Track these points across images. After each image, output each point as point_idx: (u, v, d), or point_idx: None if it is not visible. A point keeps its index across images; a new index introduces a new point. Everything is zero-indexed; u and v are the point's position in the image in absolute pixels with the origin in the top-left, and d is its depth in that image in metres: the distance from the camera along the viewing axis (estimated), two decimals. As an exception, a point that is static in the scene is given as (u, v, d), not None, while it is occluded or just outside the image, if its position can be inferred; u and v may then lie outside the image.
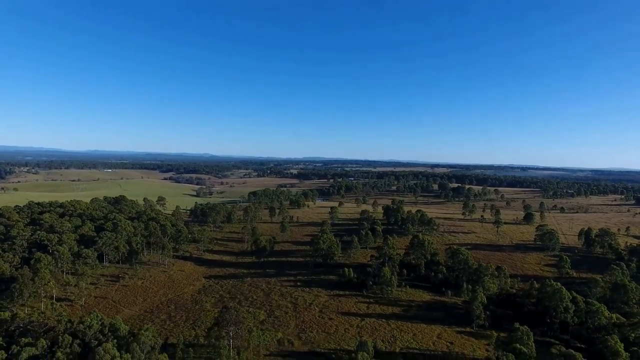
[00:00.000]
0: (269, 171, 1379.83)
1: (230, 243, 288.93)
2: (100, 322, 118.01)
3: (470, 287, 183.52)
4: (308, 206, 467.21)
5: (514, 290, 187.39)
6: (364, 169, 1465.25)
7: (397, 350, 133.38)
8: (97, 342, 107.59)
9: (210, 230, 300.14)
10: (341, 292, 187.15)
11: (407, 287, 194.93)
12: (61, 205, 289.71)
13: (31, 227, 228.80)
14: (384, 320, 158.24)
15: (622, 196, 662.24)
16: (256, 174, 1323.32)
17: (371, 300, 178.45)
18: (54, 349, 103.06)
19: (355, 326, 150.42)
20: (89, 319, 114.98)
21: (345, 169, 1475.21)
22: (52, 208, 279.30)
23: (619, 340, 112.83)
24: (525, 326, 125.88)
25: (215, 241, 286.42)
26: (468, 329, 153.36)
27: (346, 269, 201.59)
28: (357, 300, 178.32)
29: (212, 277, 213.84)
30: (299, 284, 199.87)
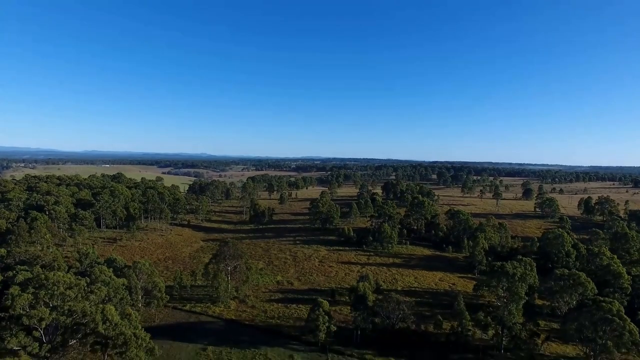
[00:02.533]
0: (267, 165, 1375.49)
1: (228, 214, 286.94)
2: (95, 254, 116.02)
3: (471, 242, 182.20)
4: (306, 188, 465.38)
5: (516, 246, 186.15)
6: (363, 164, 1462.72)
7: (399, 288, 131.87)
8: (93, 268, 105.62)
9: (209, 204, 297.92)
10: (341, 248, 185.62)
11: (408, 244, 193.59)
12: (58, 178, 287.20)
13: (28, 192, 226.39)
14: (385, 267, 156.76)
15: (620, 182, 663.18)
16: (254, 167, 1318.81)
17: (371, 253, 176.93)
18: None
19: (355, 272, 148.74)
20: (84, 248, 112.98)
21: (345, 163, 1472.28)
22: (49, 179, 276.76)
23: (620, 264, 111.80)
24: (528, 258, 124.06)
25: (213, 213, 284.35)
26: (470, 275, 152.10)
27: (345, 228, 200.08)
28: (357, 253, 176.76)
29: (211, 241, 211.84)
30: (298, 242, 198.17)
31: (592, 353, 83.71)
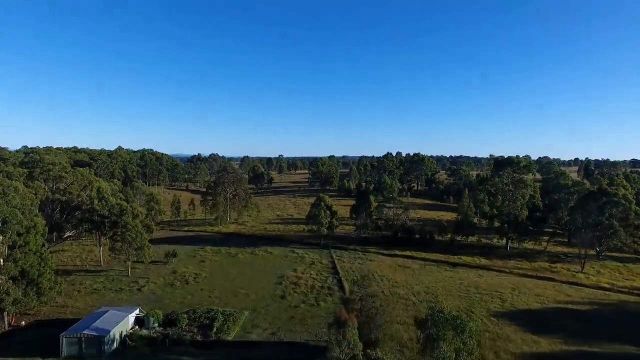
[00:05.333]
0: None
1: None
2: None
3: (471, 193, 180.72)
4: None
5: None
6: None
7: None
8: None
9: (207, 173, 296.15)
10: (342, 198, 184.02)
11: (409, 196, 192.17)
12: (57, 148, 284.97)
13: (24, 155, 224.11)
14: (386, 208, 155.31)
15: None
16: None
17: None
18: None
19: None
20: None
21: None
22: (47, 150, 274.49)
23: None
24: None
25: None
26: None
27: (345, 181, 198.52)
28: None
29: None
30: (297, 196, 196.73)
31: (595, 241, 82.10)
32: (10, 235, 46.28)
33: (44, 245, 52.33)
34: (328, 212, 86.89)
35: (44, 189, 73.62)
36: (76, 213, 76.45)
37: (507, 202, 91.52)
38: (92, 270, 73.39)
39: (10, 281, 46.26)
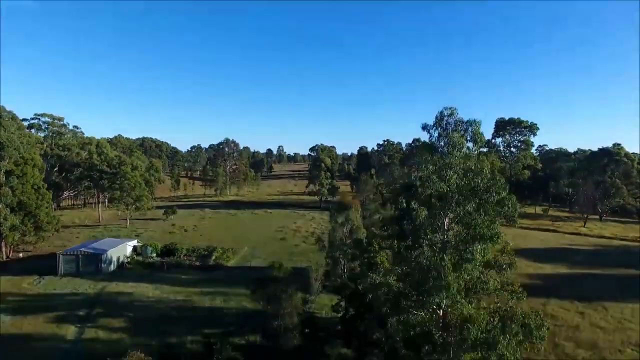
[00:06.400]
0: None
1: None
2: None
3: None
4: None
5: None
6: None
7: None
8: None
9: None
10: (343, 181, 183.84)
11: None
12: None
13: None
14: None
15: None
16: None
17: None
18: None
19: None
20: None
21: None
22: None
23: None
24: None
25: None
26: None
27: (346, 165, 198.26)
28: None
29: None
30: (297, 178, 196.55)
31: (597, 201, 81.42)
32: (8, 162, 45.75)
33: (41, 187, 51.64)
34: (328, 173, 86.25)
35: (44, 144, 73.20)
36: (75, 171, 75.96)
37: (508, 165, 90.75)
38: (91, 225, 72.81)
39: (8, 209, 45.72)
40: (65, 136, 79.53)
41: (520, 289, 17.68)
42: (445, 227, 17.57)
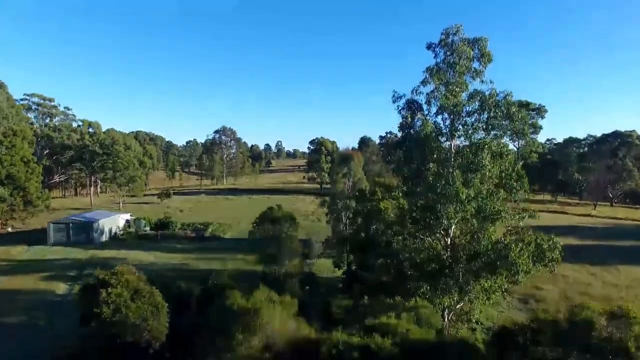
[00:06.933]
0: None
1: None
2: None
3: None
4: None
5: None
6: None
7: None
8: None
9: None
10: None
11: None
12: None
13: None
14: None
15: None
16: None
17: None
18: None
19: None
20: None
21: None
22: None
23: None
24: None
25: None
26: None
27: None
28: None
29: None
30: (297, 172, 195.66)
31: (608, 186, 79.59)
32: (-4, 131, 44.41)
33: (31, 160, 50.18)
34: (329, 157, 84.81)
35: (34, 125, 71.67)
36: (66, 154, 74.29)
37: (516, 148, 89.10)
38: (83, 208, 71.32)
39: (-4, 180, 44.34)
40: (56, 118, 77.91)
41: (533, 210, 16.67)
42: (452, 144, 16.41)
